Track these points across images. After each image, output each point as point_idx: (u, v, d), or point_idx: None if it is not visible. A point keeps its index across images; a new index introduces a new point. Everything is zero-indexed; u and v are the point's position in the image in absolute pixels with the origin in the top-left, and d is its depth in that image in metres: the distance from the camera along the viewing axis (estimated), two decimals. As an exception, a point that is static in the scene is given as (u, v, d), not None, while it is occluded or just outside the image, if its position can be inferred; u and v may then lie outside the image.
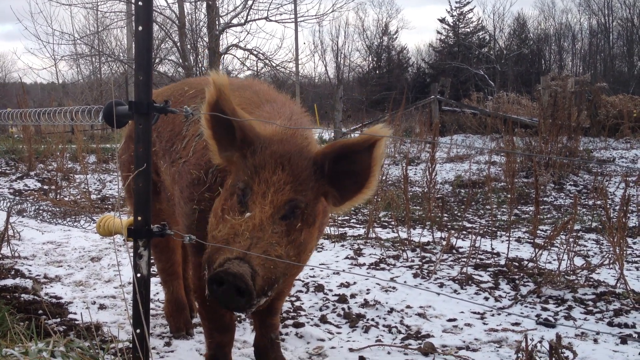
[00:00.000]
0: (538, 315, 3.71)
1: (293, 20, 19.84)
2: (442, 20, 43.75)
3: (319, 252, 5.29)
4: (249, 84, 2.91)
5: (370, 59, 44.93)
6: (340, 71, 43.75)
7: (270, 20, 18.97)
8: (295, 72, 20.88)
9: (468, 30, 43.92)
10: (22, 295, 3.90)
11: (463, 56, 41.25)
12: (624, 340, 3.32)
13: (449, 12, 43.86)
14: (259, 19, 19.00)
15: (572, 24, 44.38)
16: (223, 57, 19.48)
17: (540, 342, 2.84)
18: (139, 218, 2.34)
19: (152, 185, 3.05)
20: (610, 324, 3.60)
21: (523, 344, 2.56)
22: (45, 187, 9.02)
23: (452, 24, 43.70)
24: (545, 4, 53.03)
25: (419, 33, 59.50)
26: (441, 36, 44.47)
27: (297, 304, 3.95)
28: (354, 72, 44.74)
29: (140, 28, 2.29)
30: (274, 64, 18.98)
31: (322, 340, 3.36)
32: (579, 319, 3.68)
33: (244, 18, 18.80)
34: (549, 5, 49.61)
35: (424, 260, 4.98)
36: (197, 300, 2.66)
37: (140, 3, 2.28)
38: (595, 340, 3.34)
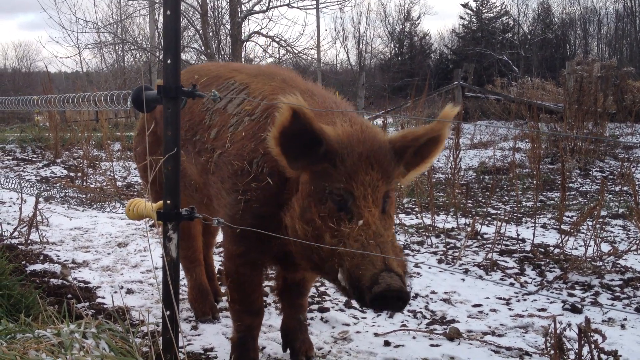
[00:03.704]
0: (564, 301, 3.69)
1: (315, 6, 19.73)
2: (465, 6, 43.24)
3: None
4: (274, 72, 2.87)
5: (392, 46, 44.63)
6: (362, 58, 43.52)
7: (292, 7, 18.92)
8: (317, 59, 20.81)
9: (492, 15, 43.36)
10: (51, 279, 3.98)
11: (486, 41, 40.78)
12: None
13: (472, -3, 43.27)
14: (280, 6, 18.94)
15: (598, 8, 43.63)
16: (245, 45, 19.49)
17: (568, 326, 2.83)
18: (168, 202, 2.37)
19: None
20: (638, 309, 3.57)
21: (551, 329, 2.55)
22: (72, 174, 9.14)
23: (475, 9, 43.17)
24: (571, -12, 52.10)
25: (441, 18, 59.08)
26: (464, 21, 43.97)
27: (322, 289, 3.97)
28: (376, 58, 44.49)
29: (168, 12, 2.31)
30: (296, 51, 18.95)
31: (347, 325, 3.38)
32: (606, 304, 3.66)
33: (266, 5, 18.76)
34: (575, -11, 48.72)
35: (448, 247, 4.97)
36: (229, 285, 2.67)
37: (168, -12, 2.29)
38: (623, 326, 3.31)
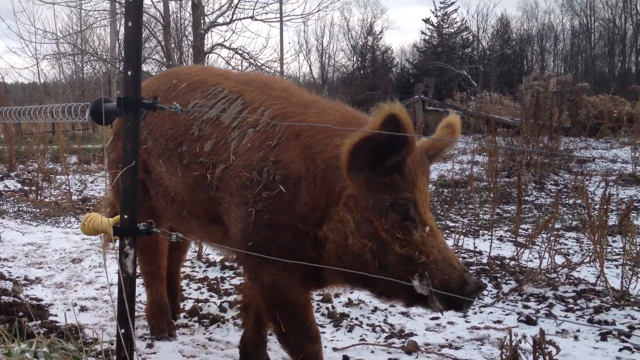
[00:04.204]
0: (519, 313, 3.75)
1: (278, 19, 19.79)
2: (427, 21, 43.88)
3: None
4: (266, 79, 2.78)
5: (354, 59, 44.97)
6: (325, 71, 43.74)
7: (256, 20, 18.91)
8: (280, 72, 20.83)
9: (452, 30, 44.07)
10: (2, 297, 3.88)
11: (447, 56, 41.40)
12: (604, 336, 3.36)
13: (433, 12, 44.00)
14: (244, 18, 18.93)
15: (555, 24, 44.74)
16: (208, 56, 19.39)
17: (523, 338, 2.86)
18: (126, 216, 2.33)
19: (140, 183, 2.96)
20: (590, 321, 3.64)
21: (507, 341, 2.59)
22: (26, 187, 8.93)
23: (436, 25, 43.83)
24: (529, 5, 53.60)
25: (403, 33, 59.76)
26: (425, 36, 44.60)
27: (281, 303, 3.94)
28: (339, 72, 44.74)
29: (129, 23, 2.28)
30: (259, 64, 18.90)
31: (307, 339, 3.36)
32: (560, 316, 3.72)
33: (230, 17, 18.72)
34: (532, 6, 50.09)
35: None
36: (278, 316, 2.49)
37: (130, -2, 2.27)
38: (576, 337, 3.38)
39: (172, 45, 18.63)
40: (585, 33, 42.45)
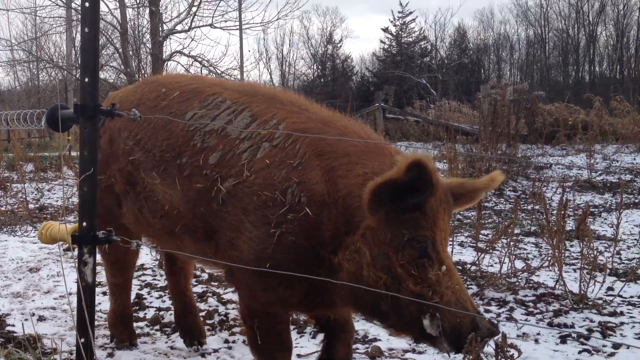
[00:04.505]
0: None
1: (238, 27, 19.74)
2: (386, 30, 44.35)
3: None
4: (274, 93, 2.68)
5: (314, 68, 45.17)
6: (285, 79, 43.78)
7: (215, 27, 18.80)
8: (241, 80, 20.78)
9: (410, 39, 44.63)
10: (-43, 308, 3.76)
11: (406, 65, 41.88)
12: (563, 339, 3.42)
13: (392, 21, 44.50)
14: (203, 26, 18.80)
15: (510, 34, 45.67)
16: (166, 64, 19.21)
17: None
18: (84, 224, 2.29)
19: (115, 196, 2.88)
20: (550, 324, 3.70)
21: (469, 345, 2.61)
22: (-20, 196, 8.69)
23: (395, 34, 44.33)
24: (485, 15, 54.66)
25: (363, 42, 60.20)
26: (384, 45, 45.06)
27: (244, 311, 3.91)
28: (299, 80, 44.86)
29: (86, 30, 2.25)
30: (219, 71, 18.80)
31: (270, 346, 3.34)
32: (521, 320, 3.78)
33: (188, 24, 18.56)
34: (488, 16, 50.88)
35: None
36: (255, 326, 2.47)
37: (87, 4, 2.24)
38: (537, 340, 3.43)
39: (130, 52, 18.41)
40: (540, 43, 43.46)
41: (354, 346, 3.35)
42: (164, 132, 2.65)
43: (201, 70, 18.93)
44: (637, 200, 8.27)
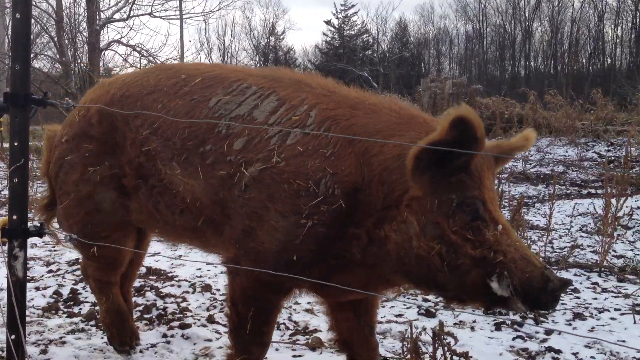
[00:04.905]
0: (419, 306, 3.85)
1: (178, 16, 19.45)
2: (328, 22, 44.45)
3: (205, 251, 5.21)
4: (301, 76, 2.57)
5: (257, 59, 44.90)
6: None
7: (155, 16, 18.54)
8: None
9: (353, 32, 44.86)
10: None
11: (348, 58, 42.11)
12: (498, 326, 3.51)
13: (334, 14, 44.63)
14: (142, 15, 18.50)
15: (450, 29, 46.51)
16: (104, 53, 18.79)
17: (423, 330, 2.95)
18: (15, 217, 2.22)
19: (113, 191, 2.69)
20: (486, 311, 3.79)
21: (408, 334, 2.65)
22: None
23: (337, 27, 44.47)
24: (425, 10, 55.54)
25: (305, 34, 60.17)
26: (327, 38, 45.17)
27: (184, 305, 3.87)
28: (241, 71, 44.51)
29: (17, 15, 2.18)
30: (159, 61, 18.49)
31: (210, 340, 3.32)
32: (457, 308, 3.85)
33: (127, 13, 18.23)
34: (428, 11, 51.94)
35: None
36: (241, 310, 2.38)
37: (16, -11, 2.16)
38: (472, 328, 3.51)
39: (66, 41, 17.93)
40: (478, 38, 44.42)
41: (295, 337, 3.36)
42: (186, 119, 2.50)
43: (140, 60, 18.61)
44: (568, 191, 8.56)
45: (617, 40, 38.94)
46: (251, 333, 2.38)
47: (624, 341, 3.26)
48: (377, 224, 2.16)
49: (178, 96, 2.56)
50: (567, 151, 12.16)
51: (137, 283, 4.26)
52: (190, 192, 2.45)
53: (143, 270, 4.60)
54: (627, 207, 5.36)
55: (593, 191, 8.48)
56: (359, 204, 2.19)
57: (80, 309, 3.77)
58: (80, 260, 4.81)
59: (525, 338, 3.34)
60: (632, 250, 5.34)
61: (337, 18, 44.44)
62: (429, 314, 3.72)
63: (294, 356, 3.10)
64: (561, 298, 2.04)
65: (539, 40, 42.92)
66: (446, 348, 2.56)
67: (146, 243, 3.25)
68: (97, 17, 18.17)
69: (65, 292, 4.05)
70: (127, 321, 3.08)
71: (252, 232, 2.29)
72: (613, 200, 5.02)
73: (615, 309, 3.81)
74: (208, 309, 3.82)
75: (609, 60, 39.47)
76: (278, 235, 2.23)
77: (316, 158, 2.22)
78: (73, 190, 2.77)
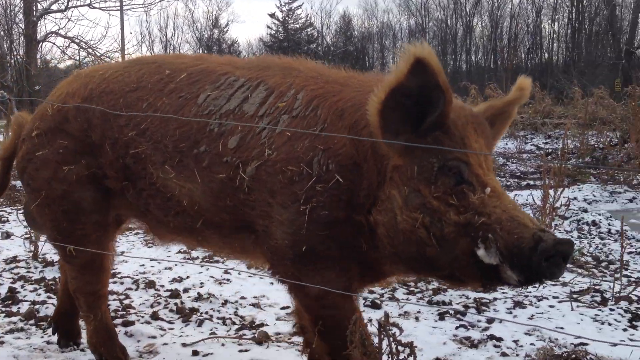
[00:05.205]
0: (365, 298, 3.88)
1: (118, 8, 19.01)
2: (272, 16, 44.24)
3: (149, 247, 5.13)
4: (290, 63, 2.46)
5: (200, 52, 44.30)
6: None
7: (94, 7, 18.08)
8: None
9: (297, 26, 44.81)
10: None
11: (293, 51, 41.92)
12: (442, 316, 3.57)
13: (278, 7, 44.43)
14: (81, 6, 18.03)
15: (393, 23, 46.95)
16: (41, 45, 18.22)
17: (369, 321, 2.97)
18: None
19: (94, 190, 2.56)
20: (430, 302, 3.86)
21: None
22: None
23: (281, 20, 44.33)
24: (369, 4, 55.77)
25: (249, 27, 59.72)
26: (271, 31, 44.98)
27: (127, 302, 3.80)
28: (184, 64, 43.89)
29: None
30: (98, 54, 18.06)
31: (154, 337, 3.27)
32: (402, 299, 3.91)
33: (65, 4, 17.72)
34: (372, 5, 52.28)
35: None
36: (320, 325, 2.17)
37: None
38: (417, 318, 3.56)
39: (1, 32, 17.33)
40: (420, 32, 44.95)
41: (241, 332, 3.34)
42: (174, 120, 2.35)
43: (79, 52, 18.15)
44: (508, 183, 8.77)
45: (554, 36, 40.09)
46: (342, 342, 2.08)
47: (562, 328, 3.36)
48: (372, 209, 2.05)
49: (164, 94, 2.43)
50: (506, 144, 12.45)
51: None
52: (187, 196, 2.34)
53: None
54: (564, 197, 5.52)
55: (532, 182, 8.71)
56: (359, 180, 2.07)
57: (19, 307, 3.66)
58: (17, 258, 4.67)
59: (468, 327, 3.41)
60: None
61: (282, 11, 44.30)
62: (375, 305, 3.75)
63: (241, 351, 3.08)
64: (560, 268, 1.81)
65: (479, 35, 43.79)
66: (392, 339, 2.58)
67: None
68: (34, 8, 17.61)
69: (3, 291, 3.92)
70: (115, 338, 2.93)
71: (268, 230, 2.20)
72: (551, 192, 5.16)
73: (554, 297, 3.93)
74: (152, 306, 3.76)
75: (546, 55, 40.64)
76: (285, 228, 2.14)
77: (305, 139, 2.13)
78: (45, 188, 2.60)
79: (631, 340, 3.26)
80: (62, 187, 2.57)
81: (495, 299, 3.88)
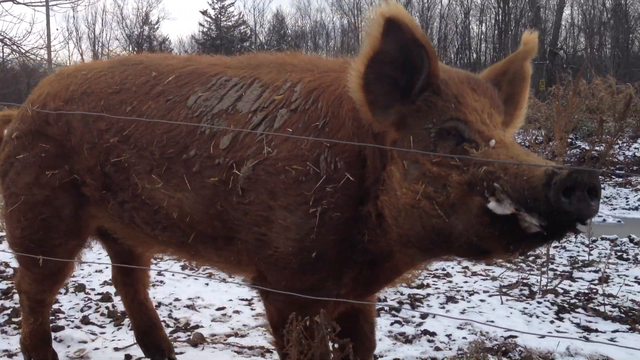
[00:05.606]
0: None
1: (44, 3, 18.37)
2: (204, 13, 43.67)
3: (79, 250, 4.98)
4: (284, 58, 2.31)
5: (130, 49, 43.33)
6: (99, 60, 41.67)
7: (18, 3, 17.37)
8: (48, 60, 19.39)
9: (230, 24, 44.41)
10: None
11: (226, 49, 41.55)
12: (377, 312, 3.61)
13: (210, 4, 43.91)
14: (4, 1, 17.27)
15: (326, 22, 47.24)
16: (-40, 41, 17.41)
17: (307, 320, 2.97)
18: None
19: (76, 197, 2.39)
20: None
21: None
22: None
23: (214, 17, 43.85)
24: (302, 3, 56.03)
25: (181, 24, 58.68)
26: (204, 29, 44.40)
27: (56, 306, 3.67)
28: (114, 61, 42.90)
29: None
30: (23, 51, 17.39)
31: (84, 342, 3.19)
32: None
33: (-14, -1, 16.97)
34: (305, 4, 52.45)
35: (191, 252, 4.94)
36: (282, 337, 2.02)
37: None
38: (353, 316, 3.59)
39: None
40: (353, 31, 45.37)
41: (176, 334, 3.29)
42: (160, 124, 2.19)
43: (2, 49, 17.46)
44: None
45: (482, 36, 41.19)
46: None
47: (492, 321, 3.46)
48: (377, 193, 1.91)
49: (150, 97, 2.28)
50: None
51: (4, 285, 4.02)
52: (176, 207, 2.16)
53: (10, 271, 4.33)
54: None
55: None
56: (365, 170, 1.94)
57: (-62, 316, 3.49)
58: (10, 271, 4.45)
59: (403, 323, 3.47)
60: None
61: (214, 9, 43.79)
62: (311, 304, 3.76)
63: (176, 353, 3.03)
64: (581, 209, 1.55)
65: (411, 35, 44.52)
66: (328, 337, 2.60)
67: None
68: (-47, 2, 16.82)
69: None
70: (49, 345, 2.80)
71: (265, 238, 2.01)
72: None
73: (484, 291, 4.04)
74: (82, 310, 3.66)
75: (474, 55, 41.67)
76: (291, 234, 1.95)
77: (309, 135, 1.97)
78: (25, 193, 2.44)
79: (558, 331, 3.39)
80: (44, 192, 2.41)
81: (428, 294, 3.96)
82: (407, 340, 3.25)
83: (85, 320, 3.47)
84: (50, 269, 2.53)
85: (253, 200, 2.01)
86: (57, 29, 40.58)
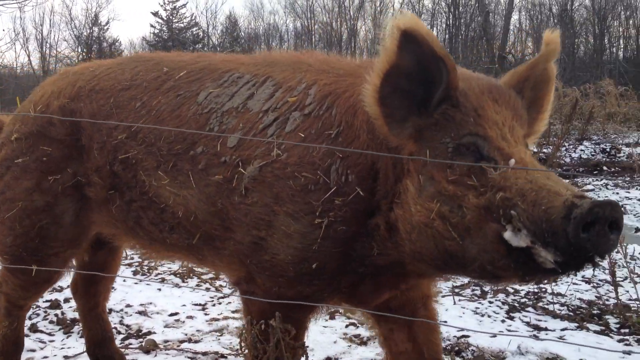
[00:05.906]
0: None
1: (-12, 3, 17.85)
2: (156, 14, 43.13)
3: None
4: (298, 57, 2.25)
5: (79, 50, 42.47)
6: (47, 62, 40.58)
7: (-40, 2, 16.87)
8: (-8, 61, 18.86)
9: (182, 25, 43.97)
10: None
11: (178, 51, 41.28)
12: (332, 315, 3.62)
13: (161, 5, 43.39)
14: (-55, -1, 16.75)
15: (279, 25, 47.22)
16: None
17: (261, 324, 2.96)
18: None
19: (80, 202, 2.30)
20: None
21: (245, 329, 2.65)
22: None
23: (165, 19, 43.34)
24: (255, 5, 55.82)
25: (131, 26, 57.94)
26: (155, 30, 43.84)
27: (2, 315, 3.57)
28: (62, 63, 41.86)
29: None
30: (-34, 51, 16.90)
31: (33, 350, 3.12)
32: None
33: None
34: (258, 6, 52.30)
35: (144, 257, 4.86)
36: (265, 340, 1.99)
37: None
38: (308, 319, 3.59)
39: None
40: (307, 35, 45.51)
41: (127, 341, 3.23)
42: (170, 120, 2.15)
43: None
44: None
45: (433, 41, 41.87)
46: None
47: (445, 321, 3.50)
48: (391, 205, 1.85)
49: (160, 92, 2.23)
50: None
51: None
52: (182, 205, 2.11)
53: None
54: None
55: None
56: (377, 183, 1.88)
57: None
58: None
59: (358, 325, 3.48)
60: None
61: (165, 10, 43.28)
62: (266, 307, 3.74)
63: (128, 361, 2.98)
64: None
65: (363, 39, 44.89)
66: (282, 341, 2.59)
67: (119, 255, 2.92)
68: None
69: None
70: (19, 352, 2.70)
71: (262, 243, 1.96)
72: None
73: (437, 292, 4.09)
74: (30, 318, 3.55)
75: (426, 59, 42.29)
76: (293, 242, 1.90)
77: (322, 142, 1.91)
78: (24, 199, 2.33)
79: (509, 330, 3.45)
80: (45, 199, 2.31)
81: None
82: (362, 342, 3.27)
83: (34, 328, 3.38)
84: (41, 277, 2.44)
85: (256, 202, 1.96)
86: (3, 30, 39.54)
